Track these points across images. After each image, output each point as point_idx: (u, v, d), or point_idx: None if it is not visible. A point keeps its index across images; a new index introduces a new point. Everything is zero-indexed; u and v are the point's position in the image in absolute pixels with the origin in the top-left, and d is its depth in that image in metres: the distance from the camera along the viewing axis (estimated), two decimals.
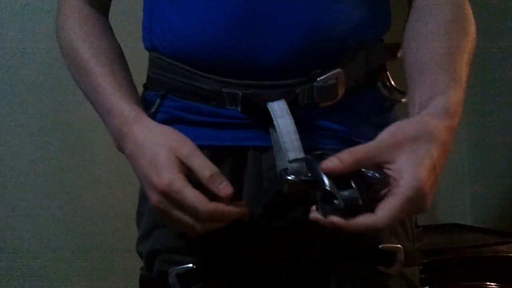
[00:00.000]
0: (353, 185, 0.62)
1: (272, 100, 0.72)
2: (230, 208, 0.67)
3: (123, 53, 0.83)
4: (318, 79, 0.72)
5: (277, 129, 0.70)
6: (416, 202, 0.62)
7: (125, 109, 0.73)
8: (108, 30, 0.84)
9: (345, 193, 0.62)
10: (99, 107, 0.77)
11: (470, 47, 0.74)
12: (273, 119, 0.70)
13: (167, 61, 0.77)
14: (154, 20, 0.80)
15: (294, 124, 0.70)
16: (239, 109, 0.73)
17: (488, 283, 1.61)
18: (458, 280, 1.61)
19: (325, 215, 0.63)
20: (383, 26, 0.80)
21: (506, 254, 1.64)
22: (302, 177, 0.66)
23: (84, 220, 1.65)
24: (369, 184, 0.63)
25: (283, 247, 0.75)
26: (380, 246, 0.74)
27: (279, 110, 0.71)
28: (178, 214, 0.67)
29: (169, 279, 0.75)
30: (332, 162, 0.63)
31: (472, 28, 0.76)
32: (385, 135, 0.65)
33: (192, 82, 0.75)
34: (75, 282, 1.64)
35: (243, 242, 0.75)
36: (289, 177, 0.67)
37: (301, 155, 0.69)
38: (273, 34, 0.71)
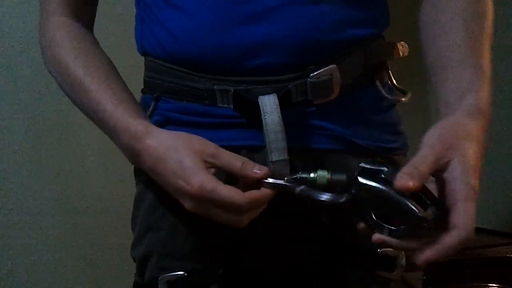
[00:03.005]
0: (427, 201, 0.60)
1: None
2: (264, 192, 0.67)
3: (115, 66, 0.81)
4: (311, 74, 0.71)
5: (264, 126, 0.69)
6: (476, 201, 0.61)
7: (131, 125, 0.71)
8: (97, 45, 0.83)
9: (429, 211, 0.60)
10: (102, 125, 0.75)
11: (490, 32, 0.74)
12: (262, 115, 0.69)
13: (159, 63, 0.77)
14: (145, 25, 0.79)
15: (282, 122, 0.69)
16: (231, 107, 0.72)
17: (490, 285, 1.60)
18: (461, 281, 1.61)
19: (401, 237, 0.61)
20: (381, 23, 0.79)
21: (507, 255, 1.64)
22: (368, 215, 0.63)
23: (84, 220, 1.65)
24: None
25: (282, 252, 0.74)
26: (379, 250, 0.73)
27: (268, 105, 0.70)
28: (217, 213, 0.67)
29: (159, 286, 0.74)
30: (407, 179, 0.60)
31: (489, 10, 0.75)
32: (434, 140, 0.65)
33: (184, 82, 0.74)
34: (74, 283, 1.64)
35: (240, 246, 0.74)
36: (342, 200, 0.64)
37: (285, 156, 0.68)
38: (266, 32, 0.70)
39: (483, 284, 1.60)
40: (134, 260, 0.81)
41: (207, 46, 0.71)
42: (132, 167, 0.83)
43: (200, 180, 0.65)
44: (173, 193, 0.69)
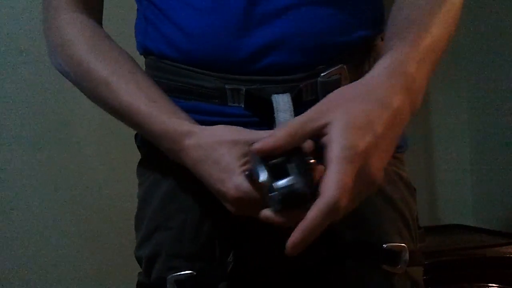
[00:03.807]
0: (289, 171, 0.55)
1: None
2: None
3: (135, 60, 0.78)
4: (322, 74, 0.72)
5: (276, 124, 0.69)
6: (357, 163, 0.55)
7: (168, 127, 0.69)
8: (112, 40, 0.79)
9: (280, 182, 0.55)
10: (137, 127, 0.73)
11: (444, 14, 0.69)
12: (275, 112, 0.70)
13: (165, 62, 0.76)
14: (149, 24, 0.78)
15: None
16: (242, 106, 0.72)
17: (490, 285, 1.60)
18: (460, 281, 1.61)
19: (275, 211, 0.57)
20: (380, 24, 0.80)
21: (508, 255, 1.64)
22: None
23: (84, 221, 1.65)
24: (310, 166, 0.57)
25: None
26: (385, 245, 0.74)
27: (282, 104, 0.70)
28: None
29: (168, 286, 0.73)
30: (263, 141, 0.56)
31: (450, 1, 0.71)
32: (322, 100, 0.61)
33: (192, 81, 0.74)
34: (75, 283, 1.64)
35: (247, 244, 0.74)
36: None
37: None
38: (277, 31, 0.71)
39: (483, 284, 1.61)
40: (138, 260, 0.80)
41: (220, 45, 0.71)
42: (135, 166, 0.83)
43: (235, 181, 0.62)
44: (216, 195, 0.66)
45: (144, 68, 0.81)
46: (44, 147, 1.62)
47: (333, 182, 0.53)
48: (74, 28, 0.77)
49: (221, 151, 0.64)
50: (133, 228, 0.82)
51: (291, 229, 0.72)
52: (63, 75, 0.79)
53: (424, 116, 2.07)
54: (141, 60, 0.83)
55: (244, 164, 0.63)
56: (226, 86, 0.72)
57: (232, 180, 0.62)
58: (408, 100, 0.61)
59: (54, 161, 1.63)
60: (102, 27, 0.82)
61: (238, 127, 0.67)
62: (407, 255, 0.74)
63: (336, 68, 0.72)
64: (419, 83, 0.63)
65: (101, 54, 0.74)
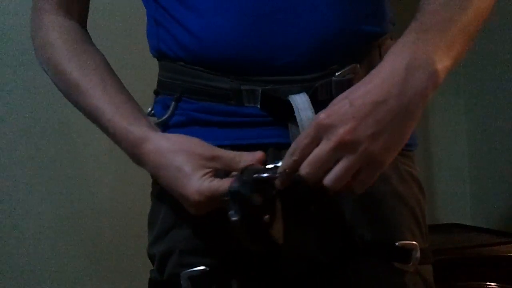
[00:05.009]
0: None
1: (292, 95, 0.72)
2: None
3: (109, 64, 0.82)
4: (337, 73, 0.73)
5: (299, 123, 0.70)
6: (318, 127, 0.62)
7: (129, 133, 0.73)
8: (90, 43, 0.84)
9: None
10: (102, 129, 0.77)
11: (466, 14, 0.69)
12: (295, 112, 0.71)
13: (180, 64, 0.77)
14: (160, 27, 0.79)
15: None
16: (258, 106, 0.73)
17: (488, 283, 1.61)
18: (458, 280, 1.61)
19: None
20: (390, 23, 0.81)
21: (506, 254, 1.65)
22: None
23: (85, 221, 1.65)
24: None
25: (301, 246, 0.75)
26: (397, 243, 0.75)
27: (301, 103, 0.71)
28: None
29: (182, 282, 0.74)
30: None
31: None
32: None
33: (208, 82, 0.75)
34: (77, 283, 1.63)
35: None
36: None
37: None
38: (290, 31, 0.72)
39: (481, 282, 1.61)
40: (150, 258, 0.81)
41: (232, 46, 0.72)
42: (136, 165, 0.83)
43: (198, 188, 0.67)
44: (178, 199, 0.71)
45: (158, 71, 0.82)
46: (46, 147, 1.62)
47: (293, 145, 0.64)
48: (54, 31, 0.81)
49: (182, 158, 0.69)
50: (138, 228, 0.82)
51: (301, 226, 0.73)
52: (46, 73, 0.84)
53: (422, 115, 2.08)
54: (152, 63, 0.83)
55: (204, 174, 0.68)
56: (242, 87, 0.73)
57: (193, 184, 0.67)
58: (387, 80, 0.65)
59: (57, 161, 1.62)
60: (85, 28, 0.86)
61: (197, 139, 0.71)
62: (418, 253, 0.75)
63: (350, 67, 0.73)
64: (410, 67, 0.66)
65: (75, 57, 0.79)
